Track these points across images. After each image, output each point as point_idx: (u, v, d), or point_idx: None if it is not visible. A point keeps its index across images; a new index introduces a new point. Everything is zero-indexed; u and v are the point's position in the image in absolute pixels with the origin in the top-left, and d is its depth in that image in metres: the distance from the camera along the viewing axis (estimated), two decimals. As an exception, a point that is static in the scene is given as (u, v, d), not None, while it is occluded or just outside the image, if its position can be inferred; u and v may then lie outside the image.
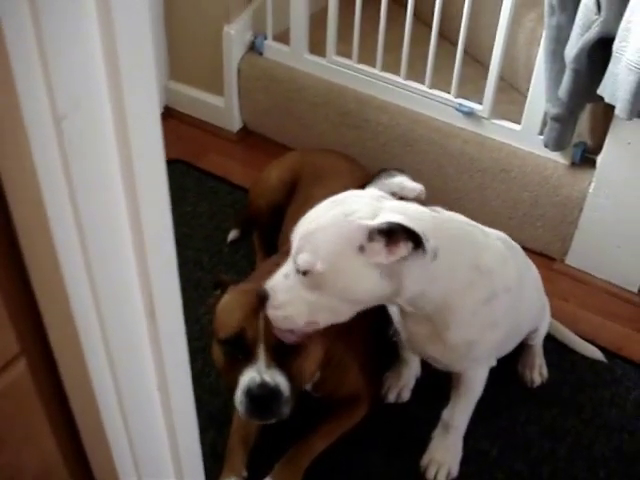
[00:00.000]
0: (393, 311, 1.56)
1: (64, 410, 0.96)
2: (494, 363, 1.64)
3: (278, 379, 1.47)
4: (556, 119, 2.00)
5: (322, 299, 1.30)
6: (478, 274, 1.37)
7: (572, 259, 2.28)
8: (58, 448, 0.97)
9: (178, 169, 2.56)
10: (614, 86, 1.75)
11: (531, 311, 1.68)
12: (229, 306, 1.56)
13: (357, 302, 1.33)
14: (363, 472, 1.73)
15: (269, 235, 2.12)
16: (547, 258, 2.30)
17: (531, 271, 1.72)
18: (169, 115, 2.83)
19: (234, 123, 2.74)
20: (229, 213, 2.40)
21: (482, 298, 1.39)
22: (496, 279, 1.41)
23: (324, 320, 1.35)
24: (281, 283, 1.34)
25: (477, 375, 1.61)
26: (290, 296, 1.33)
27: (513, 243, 1.62)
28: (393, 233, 1.21)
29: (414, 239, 1.21)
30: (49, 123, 0.66)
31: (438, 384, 1.82)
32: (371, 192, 1.35)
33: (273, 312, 1.36)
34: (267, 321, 1.46)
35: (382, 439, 1.80)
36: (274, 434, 1.73)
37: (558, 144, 2.07)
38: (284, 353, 1.49)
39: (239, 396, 1.49)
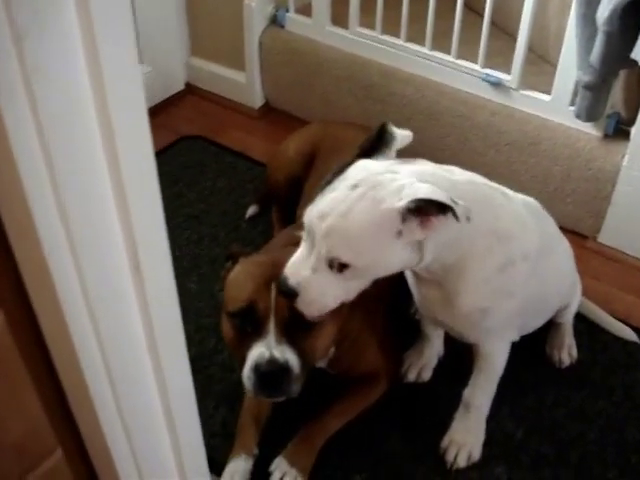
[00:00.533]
0: (407, 275, 1.49)
1: (48, 370, 0.91)
2: (515, 337, 1.55)
3: (288, 355, 1.40)
4: (588, 87, 1.91)
5: (357, 283, 1.28)
6: (495, 239, 1.30)
7: (605, 237, 2.18)
8: (44, 410, 0.93)
9: (198, 145, 2.51)
10: (649, 48, 1.66)
11: (560, 285, 1.60)
12: (240, 278, 1.49)
13: (385, 275, 1.29)
14: (380, 453, 1.65)
15: (287, 209, 2.06)
16: (578, 236, 2.20)
17: (562, 244, 1.63)
18: (190, 92, 2.79)
19: (256, 99, 2.68)
20: (248, 189, 2.34)
21: (497, 265, 1.32)
22: (514, 245, 1.34)
23: (353, 296, 1.31)
24: (311, 279, 1.26)
25: (496, 350, 1.53)
26: (322, 290, 1.27)
27: (542, 211, 1.54)
28: (423, 208, 1.16)
29: (444, 209, 1.16)
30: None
31: (462, 364, 1.74)
32: (382, 163, 1.26)
33: (306, 308, 1.31)
34: (278, 295, 1.40)
35: (401, 419, 1.72)
36: (288, 412, 1.67)
37: (590, 114, 1.98)
38: (296, 328, 1.42)
39: (246, 372, 1.42)
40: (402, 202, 1.17)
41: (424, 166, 1.27)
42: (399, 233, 1.19)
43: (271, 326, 1.41)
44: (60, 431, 0.98)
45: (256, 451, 1.59)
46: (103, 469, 1.08)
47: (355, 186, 1.20)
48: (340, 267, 1.23)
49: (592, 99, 1.93)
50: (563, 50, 1.98)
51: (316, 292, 1.27)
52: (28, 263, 0.76)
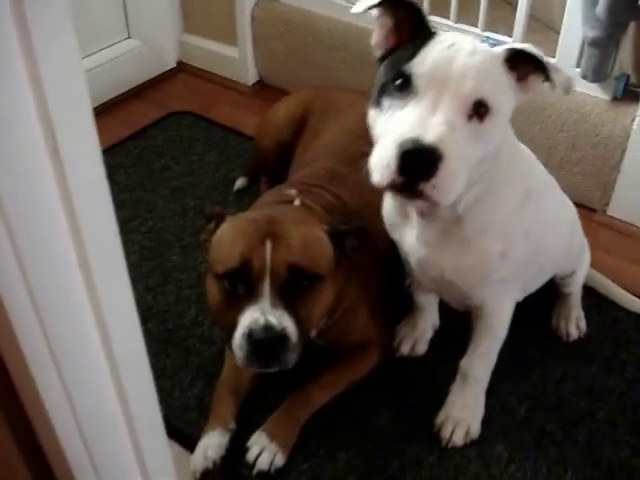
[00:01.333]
0: (410, 232, 1.35)
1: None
2: (520, 297, 1.45)
3: (285, 321, 1.28)
4: (594, 44, 1.80)
5: (491, 140, 1.10)
6: (519, 170, 1.28)
7: (614, 209, 2.06)
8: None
9: (188, 120, 2.42)
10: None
11: (560, 242, 1.48)
12: (230, 235, 1.37)
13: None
14: (368, 430, 1.54)
15: (276, 179, 1.95)
16: (586, 209, 2.08)
17: (565, 203, 1.55)
18: (182, 69, 2.71)
19: (249, 75, 2.59)
20: (239, 163, 2.24)
21: (520, 198, 1.27)
22: (531, 179, 1.30)
23: (491, 160, 1.16)
24: (452, 134, 1.03)
25: (501, 310, 1.42)
26: (466, 150, 1.05)
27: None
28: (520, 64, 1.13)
29: (542, 68, 1.12)
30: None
31: (458, 337, 1.62)
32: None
33: (447, 182, 1.04)
34: (275, 253, 1.29)
35: (393, 394, 1.61)
36: (269, 385, 1.56)
37: (597, 74, 1.87)
38: (292, 291, 1.31)
39: (238, 339, 1.29)
40: (501, 48, 1.11)
41: None
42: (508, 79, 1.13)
43: (266, 288, 1.29)
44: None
45: (233, 425, 1.47)
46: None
47: (454, 44, 1.08)
48: (482, 114, 1.06)
49: (599, 57, 1.82)
50: (567, 6, 1.87)
51: (461, 153, 1.04)
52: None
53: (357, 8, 1.17)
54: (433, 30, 1.13)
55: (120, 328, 0.84)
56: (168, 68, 2.68)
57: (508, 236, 1.28)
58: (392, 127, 1.06)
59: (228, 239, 1.36)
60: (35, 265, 0.73)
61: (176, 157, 2.26)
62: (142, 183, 2.15)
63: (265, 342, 1.26)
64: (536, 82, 1.14)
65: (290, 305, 1.30)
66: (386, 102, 1.10)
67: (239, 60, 2.58)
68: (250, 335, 1.27)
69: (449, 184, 1.04)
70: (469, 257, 1.29)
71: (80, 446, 0.95)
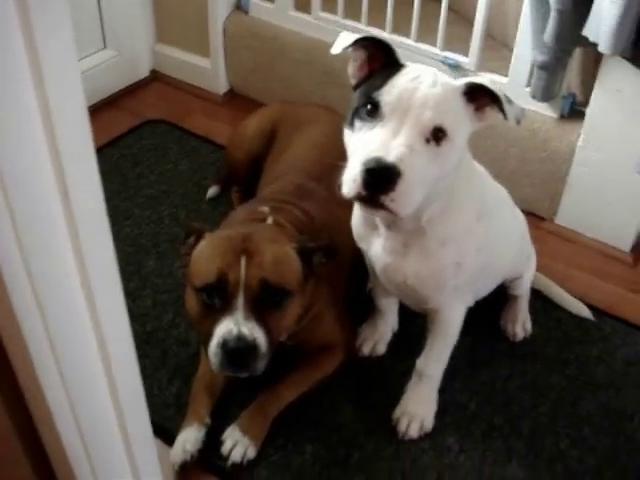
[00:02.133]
0: (377, 242, 1.48)
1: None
2: (471, 302, 1.57)
3: (256, 332, 1.40)
4: (543, 67, 1.93)
5: (447, 162, 1.24)
6: (478, 187, 1.42)
7: (562, 218, 2.20)
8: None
9: (161, 129, 2.51)
10: (598, 24, 1.68)
11: (510, 254, 1.62)
12: (208, 251, 1.48)
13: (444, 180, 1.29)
14: (333, 425, 1.66)
15: (247, 189, 2.07)
16: (536, 217, 2.23)
17: (516, 216, 1.69)
18: (155, 78, 2.78)
19: (220, 85, 2.69)
20: (210, 171, 2.34)
21: (473, 215, 1.40)
22: (488, 197, 1.45)
23: (445, 180, 1.29)
24: (411, 155, 1.17)
25: (454, 314, 1.55)
26: (423, 170, 1.19)
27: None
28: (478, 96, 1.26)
29: (498, 102, 1.24)
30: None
31: (414, 339, 1.76)
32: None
33: (404, 197, 1.18)
34: (249, 269, 1.40)
35: (354, 391, 1.73)
36: (242, 383, 1.67)
37: (546, 94, 2.00)
38: (264, 305, 1.42)
39: (213, 347, 1.41)
40: (461, 82, 1.24)
41: None
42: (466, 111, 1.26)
43: (240, 301, 1.40)
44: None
45: (208, 420, 1.59)
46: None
47: (418, 76, 1.23)
48: (439, 139, 1.20)
49: (547, 79, 1.96)
50: (519, 32, 2.00)
51: (418, 172, 1.18)
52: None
53: (335, 49, 1.31)
54: (401, 63, 1.27)
55: (109, 312, 0.95)
56: (142, 77, 2.75)
57: (463, 249, 1.41)
58: (361, 146, 1.20)
59: (206, 255, 1.47)
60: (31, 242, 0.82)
61: (150, 165, 2.34)
62: (118, 192, 2.24)
63: (237, 351, 1.38)
64: (492, 112, 1.27)
65: (261, 317, 1.42)
66: (358, 124, 1.24)
67: (211, 70, 2.66)
68: (224, 344, 1.39)
69: (406, 198, 1.18)
70: (429, 266, 1.42)
71: (76, 436, 1.04)
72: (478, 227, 1.41)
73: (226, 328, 1.39)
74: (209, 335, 1.42)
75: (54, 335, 0.90)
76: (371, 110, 1.21)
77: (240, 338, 1.38)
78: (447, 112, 1.21)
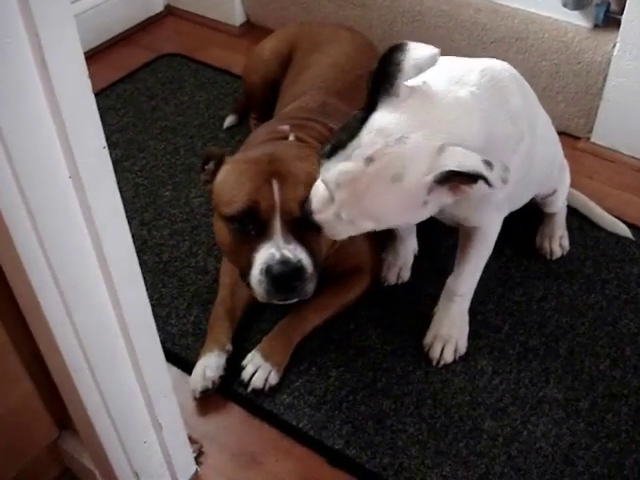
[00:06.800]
0: None
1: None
2: (507, 212, 1.48)
3: (299, 254, 1.34)
4: (574, -29, 1.81)
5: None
6: (512, 124, 1.27)
7: (597, 136, 2.09)
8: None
9: (177, 62, 2.43)
10: None
11: (545, 159, 1.51)
12: (234, 177, 1.40)
13: None
14: (358, 349, 1.59)
15: (265, 115, 1.98)
16: (571, 137, 2.12)
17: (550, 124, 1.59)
18: (170, 13, 2.71)
19: (236, 16, 2.60)
20: (228, 102, 2.26)
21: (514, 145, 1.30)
22: (520, 121, 1.30)
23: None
24: (335, 223, 1.24)
25: (490, 228, 1.45)
26: (343, 231, 1.26)
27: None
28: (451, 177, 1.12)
29: (476, 178, 1.11)
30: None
31: (438, 259, 1.70)
32: (396, 117, 1.13)
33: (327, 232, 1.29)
34: (283, 192, 1.33)
35: (380, 315, 1.66)
36: (263, 308, 1.61)
37: (578, 2, 1.90)
38: (302, 226, 1.35)
39: (256, 276, 1.34)
40: (429, 177, 1.12)
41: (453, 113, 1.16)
42: (425, 202, 1.16)
43: (277, 226, 1.34)
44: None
45: (229, 347, 1.52)
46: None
47: (370, 159, 1.12)
48: None
49: (579, -16, 1.84)
50: None
51: (338, 231, 1.26)
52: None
53: None
54: None
55: (112, 234, 0.90)
56: (157, 12, 2.67)
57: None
58: None
59: (232, 181, 1.40)
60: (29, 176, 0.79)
61: (166, 98, 2.28)
62: (133, 124, 2.17)
63: (283, 275, 1.32)
64: (472, 187, 1.15)
65: (301, 239, 1.36)
66: None
67: (226, 1, 2.58)
68: (268, 270, 1.33)
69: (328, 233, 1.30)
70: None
71: (79, 353, 1.00)
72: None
73: (267, 253, 1.33)
74: (248, 265, 1.36)
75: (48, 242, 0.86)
76: None
77: (284, 261, 1.32)
78: (370, 218, 1.21)
